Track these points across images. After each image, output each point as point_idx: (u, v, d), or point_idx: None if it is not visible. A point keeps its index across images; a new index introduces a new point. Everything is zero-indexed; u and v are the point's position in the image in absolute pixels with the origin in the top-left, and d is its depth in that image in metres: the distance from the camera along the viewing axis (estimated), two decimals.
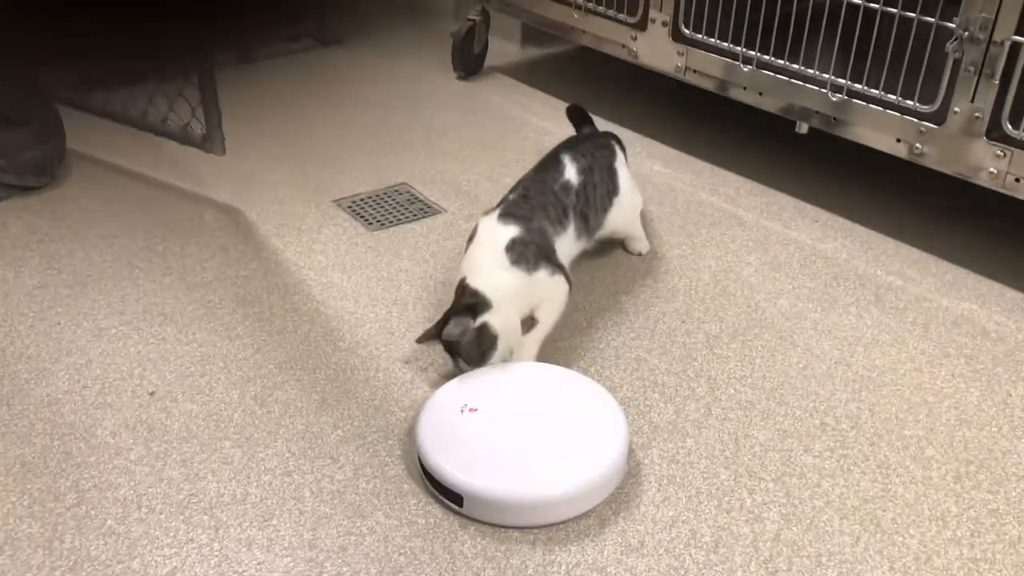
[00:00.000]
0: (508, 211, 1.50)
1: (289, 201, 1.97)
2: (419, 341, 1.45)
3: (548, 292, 1.48)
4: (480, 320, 1.37)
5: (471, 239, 1.50)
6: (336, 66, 2.72)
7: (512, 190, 1.58)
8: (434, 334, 1.41)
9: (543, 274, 1.46)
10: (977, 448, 1.35)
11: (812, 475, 1.30)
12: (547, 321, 1.48)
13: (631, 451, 1.31)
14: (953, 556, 1.18)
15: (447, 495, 1.20)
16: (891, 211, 2.00)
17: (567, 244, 1.55)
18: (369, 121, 2.36)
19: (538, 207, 1.52)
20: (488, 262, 1.44)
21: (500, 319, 1.39)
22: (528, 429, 1.26)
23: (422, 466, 1.24)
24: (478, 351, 1.38)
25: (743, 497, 1.26)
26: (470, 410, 1.29)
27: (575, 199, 1.57)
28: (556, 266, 1.49)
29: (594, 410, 1.30)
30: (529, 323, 1.47)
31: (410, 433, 1.35)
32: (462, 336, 1.36)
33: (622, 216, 1.70)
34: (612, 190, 1.67)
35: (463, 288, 1.42)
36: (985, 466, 1.32)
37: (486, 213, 1.52)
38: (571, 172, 1.59)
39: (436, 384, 1.43)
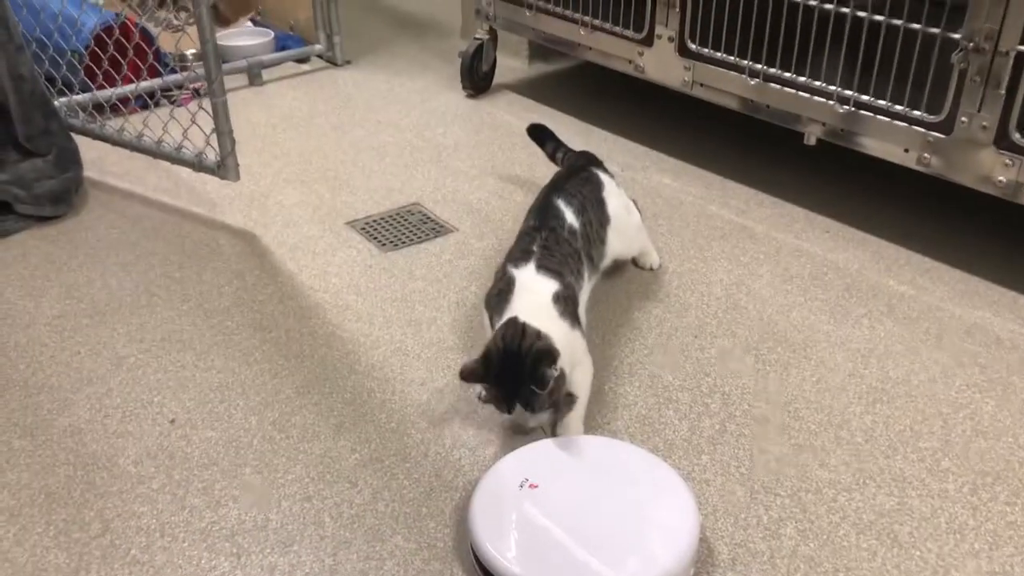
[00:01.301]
0: (543, 264, 1.44)
1: (303, 224, 1.99)
2: (466, 379, 1.31)
3: (581, 356, 1.42)
4: (559, 365, 1.28)
5: (507, 290, 1.41)
6: (346, 87, 2.75)
7: (527, 240, 1.50)
8: (482, 373, 1.30)
9: (579, 334, 1.41)
10: (994, 459, 1.36)
11: (828, 490, 1.30)
12: (584, 393, 1.40)
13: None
14: (971, 569, 1.18)
15: None
16: (902, 221, 2.00)
17: (584, 290, 1.53)
18: (380, 141, 2.38)
19: (562, 260, 1.47)
20: (537, 311, 1.35)
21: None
22: (588, 514, 1.18)
23: (471, 542, 1.17)
24: (551, 400, 1.28)
25: (759, 513, 1.26)
26: (530, 486, 1.22)
27: (581, 242, 1.54)
28: (583, 332, 1.45)
29: (665, 504, 1.19)
30: None
31: (427, 457, 1.37)
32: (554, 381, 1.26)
33: (619, 240, 1.68)
34: (604, 220, 1.64)
35: (522, 328, 1.30)
36: (1002, 477, 1.32)
37: (515, 265, 1.45)
38: (571, 216, 1.56)
39: (450, 423, 1.45)
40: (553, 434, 1.38)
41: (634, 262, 1.84)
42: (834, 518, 1.26)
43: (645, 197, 2.08)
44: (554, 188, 1.64)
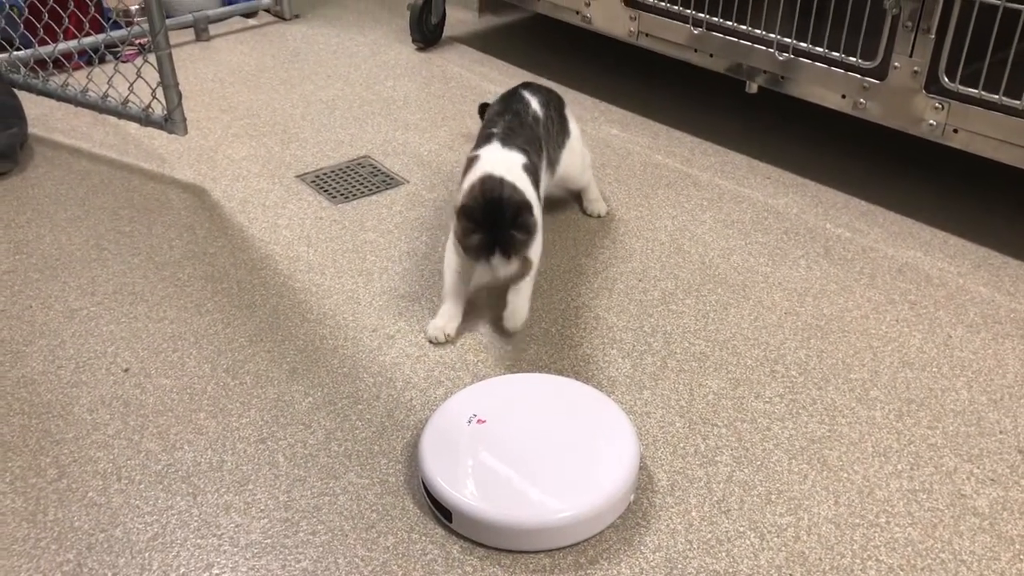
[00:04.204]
0: (508, 141, 1.51)
1: (252, 177, 2.00)
2: (467, 243, 1.38)
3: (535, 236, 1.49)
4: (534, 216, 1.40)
5: (474, 161, 1.49)
6: (294, 41, 2.73)
7: (491, 124, 1.58)
8: (473, 227, 1.37)
9: (538, 211, 1.48)
10: (918, 387, 1.43)
11: (762, 420, 1.37)
12: (530, 276, 1.49)
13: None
14: (894, 488, 1.25)
15: (439, 509, 1.19)
16: (840, 166, 2.06)
17: (543, 178, 1.60)
18: (329, 95, 2.38)
19: (525, 141, 1.54)
20: (507, 173, 1.43)
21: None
22: (533, 446, 1.22)
23: (421, 476, 1.22)
24: (523, 250, 1.39)
25: (697, 443, 1.32)
26: (478, 421, 1.26)
27: (543, 131, 1.62)
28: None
29: (607, 436, 1.24)
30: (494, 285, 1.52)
31: (379, 398, 1.40)
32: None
33: (572, 161, 1.75)
34: (564, 132, 1.73)
35: (499, 180, 1.40)
36: (925, 404, 1.40)
37: (480, 147, 1.52)
38: (535, 104, 1.65)
39: (404, 363, 1.49)
40: (506, 301, 1.48)
41: (582, 210, 1.88)
42: (768, 445, 1.32)
43: (595, 148, 2.12)
44: (521, 85, 1.73)
